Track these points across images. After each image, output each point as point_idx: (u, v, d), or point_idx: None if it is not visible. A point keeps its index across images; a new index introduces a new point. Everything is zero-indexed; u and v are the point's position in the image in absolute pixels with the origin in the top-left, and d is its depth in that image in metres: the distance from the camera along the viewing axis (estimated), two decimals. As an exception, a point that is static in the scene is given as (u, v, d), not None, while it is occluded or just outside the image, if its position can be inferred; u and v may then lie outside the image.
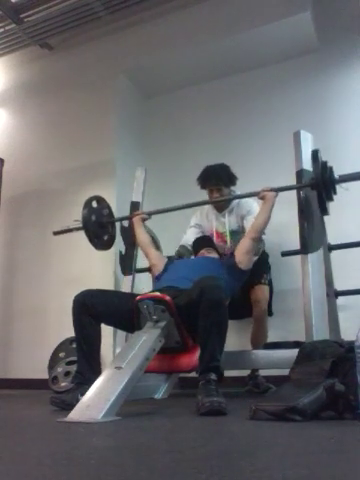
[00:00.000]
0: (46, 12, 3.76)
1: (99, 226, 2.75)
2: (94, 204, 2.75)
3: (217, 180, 2.71)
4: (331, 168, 2.25)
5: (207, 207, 2.92)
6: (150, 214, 2.74)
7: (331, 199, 2.29)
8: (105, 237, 2.80)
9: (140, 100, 4.11)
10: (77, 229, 2.72)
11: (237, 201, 2.81)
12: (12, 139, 4.13)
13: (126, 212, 2.95)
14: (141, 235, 2.62)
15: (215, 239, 2.75)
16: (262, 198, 2.36)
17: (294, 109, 3.45)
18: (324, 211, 2.29)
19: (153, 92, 4.07)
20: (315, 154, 2.26)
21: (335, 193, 2.28)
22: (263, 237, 2.51)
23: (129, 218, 2.77)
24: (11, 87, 4.29)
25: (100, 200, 2.81)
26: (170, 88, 3.98)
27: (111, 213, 2.87)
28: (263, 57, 3.61)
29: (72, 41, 4.07)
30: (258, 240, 2.36)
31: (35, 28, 3.84)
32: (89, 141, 3.74)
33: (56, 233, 2.90)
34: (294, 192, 2.35)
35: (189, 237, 2.86)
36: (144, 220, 2.71)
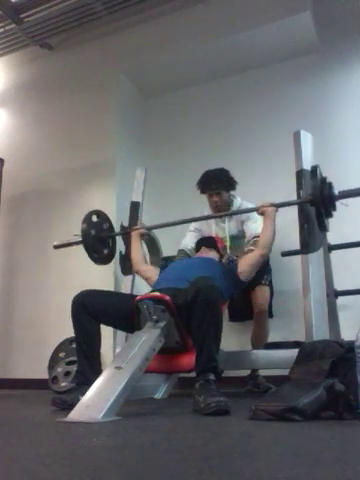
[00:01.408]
0: (46, 12, 3.76)
1: (99, 241, 2.70)
2: (94, 218, 2.71)
3: (217, 185, 2.71)
4: (330, 184, 2.19)
5: (207, 212, 2.92)
6: (150, 229, 2.72)
7: (330, 216, 2.23)
8: (105, 251, 2.75)
9: (140, 100, 4.11)
10: (77, 243, 2.69)
11: (237, 206, 2.81)
12: (12, 139, 4.13)
13: (126, 212, 2.95)
14: (135, 252, 2.57)
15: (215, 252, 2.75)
16: (262, 213, 2.34)
17: (294, 109, 3.45)
18: (323, 228, 2.23)
19: (153, 92, 4.07)
20: (314, 170, 2.19)
21: (334, 209, 2.21)
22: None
23: (128, 232, 2.74)
24: (11, 87, 4.29)
25: (100, 214, 2.78)
26: (170, 88, 3.98)
27: (111, 227, 2.82)
28: (263, 57, 3.61)
29: (72, 41, 4.07)
30: (267, 257, 2.36)
31: (35, 28, 3.84)
32: (89, 141, 3.74)
33: (56, 247, 2.87)
34: (294, 192, 2.35)
35: (188, 241, 2.87)
36: (142, 235, 2.67)
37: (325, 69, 3.46)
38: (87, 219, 2.66)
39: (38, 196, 3.86)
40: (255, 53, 3.59)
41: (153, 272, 2.42)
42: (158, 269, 2.46)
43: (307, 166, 2.34)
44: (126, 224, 2.89)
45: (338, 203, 2.19)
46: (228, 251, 2.70)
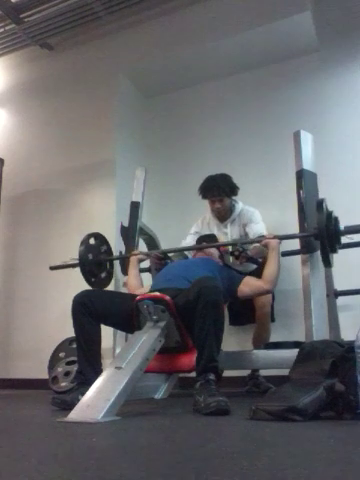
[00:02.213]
0: (46, 12, 3.76)
1: (96, 264, 2.67)
2: (92, 241, 2.68)
3: (219, 191, 2.71)
4: (336, 219, 2.15)
5: (209, 216, 2.91)
6: (149, 255, 2.66)
7: (335, 251, 2.19)
8: (102, 275, 2.72)
9: (140, 100, 4.11)
10: (73, 266, 2.65)
11: (239, 211, 2.81)
12: (12, 139, 4.13)
13: (126, 212, 2.95)
14: (132, 277, 2.53)
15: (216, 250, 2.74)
16: (265, 245, 2.31)
17: (294, 109, 3.45)
18: (327, 264, 2.18)
19: (153, 92, 4.07)
20: (320, 204, 2.13)
21: (339, 245, 2.18)
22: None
23: (127, 257, 2.69)
24: (11, 87, 4.29)
25: (98, 237, 2.75)
26: (170, 88, 3.98)
27: (110, 250, 2.79)
28: (263, 57, 3.61)
29: (72, 41, 4.07)
30: (271, 292, 2.34)
31: (35, 28, 3.84)
32: (89, 141, 3.74)
33: (52, 268, 2.84)
34: (294, 192, 2.35)
35: (187, 243, 2.86)
36: (141, 261, 2.64)
37: (325, 69, 3.46)
38: (84, 242, 2.62)
39: (38, 196, 3.86)
40: (255, 53, 3.59)
41: (147, 289, 2.39)
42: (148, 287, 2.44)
43: (307, 166, 2.34)
44: (126, 224, 2.89)
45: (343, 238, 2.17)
46: (230, 258, 2.68)
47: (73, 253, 3.48)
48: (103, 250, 2.74)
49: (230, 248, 2.64)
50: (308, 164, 2.35)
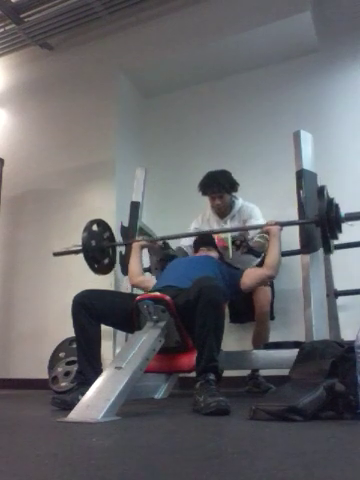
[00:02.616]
0: (46, 12, 3.76)
1: (99, 250, 2.69)
2: (95, 227, 2.69)
3: (218, 188, 2.71)
4: (337, 205, 2.16)
5: (208, 212, 2.91)
6: (151, 241, 2.69)
7: (336, 238, 2.21)
8: (105, 261, 2.74)
9: (140, 100, 4.11)
10: (76, 252, 2.67)
11: (239, 207, 2.81)
12: (12, 139, 4.13)
13: (126, 212, 2.95)
14: (134, 264, 2.53)
15: (216, 243, 2.74)
16: (267, 232, 2.32)
17: (294, 109, 3.45)
18: (328, 250, 2.20)
19: (153, 92, 4.07)
20: (321, 191, 2.16)
21: (340, 231, 2.19)
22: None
23: (129, 243, 2.72)
24: (11, 87, 4.30)
25: (101, 223, 2.76)
26: (170, 88, 3.98)
27: (112, 237, 2.81)
28: (263, 57, 3.61)
29: (72, 41, 4.07)
30: (274, 278, 2.33)
31: (35, 28, 3.85)
32: (89, 141, 3.74)
33: (56, 254, 2.86)
34: (294, 192, 2.35)
35: (187, 239, 2.86)
36: (143, 247, 2.65)
37: (325, 69, 3.46)
38: (87, 228, 2.64)
39: (38, 196, 3.86)
40: (255, 53, 3.59)
41: (150, 281, 2.40)
42: (154, 278, 2.45)
43: (307, 166, 2.34)
44: (126, 224, 2.89)
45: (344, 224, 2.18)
46: (229, 252, 2.69)
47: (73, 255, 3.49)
48: (106, 236, 2.77)
49: (230, 244, 2.66)
50: (308, 164, 2.35)
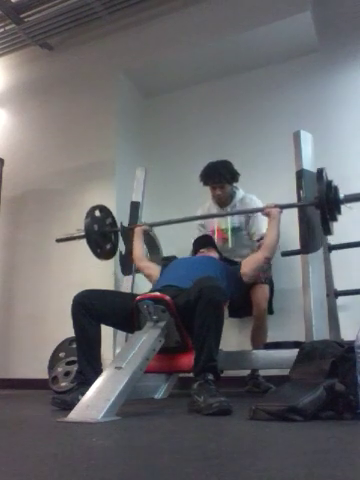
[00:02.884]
0: (46, 12, 3.76)
1: (102, 235, 2.73)
2: (97, 213, 2.73)
3: (220, 178, 2.73)
4: (336, 188, 2.19)
5: (209, 203, 2.93)
6: (152, 226, 2.74)
7: (335, 219, 2.23)
8: (108, 246, 2.78)
9: (140, 100, 4.11)
10: (79, 238, 2.71)
11: (240, 197, 2.83)
12: (12, 139, 4.13)
13: (126, 212, 2.95)
14: (137, 248, 2.61)
15: (216, 236, 2.77)
16: (267, 214, 2.35)
17: (294, 109, 3.44)
18: (327, 231, 2.23)
19: (153, 92, 4.07)
20: (320, 173, 2.18)
21: (339, 213, 2.21)
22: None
23: (131, 228, 2.76)
24: (11, 87, 4.29)
25: (103, 209, 2.80)
26: (170, 88, 3.97)
27: (114, 222, 2.85)
28: (263, 57, 3.61)
29: (72, 41, 4.07)
30: (271, 259, 2.35)
31: (35, 28, 3.85)
32: (89, 141, 3.74)
33: (58, 240, 2.90)
34: (294, 192, 2.35)
35: (192, 235, 2.89)
36: (145, 232, 2.69)
37: (325, 69, 3.46)
38: (90, 214, 2.68)
39: (38, 196, 3.86)
40: (255, 53, 3.58)
41: (155, 270, 2.43)
42: (159, 267, 2.46)
43: (307, 166, 2.34)
44: (126, 224, 2.89)
45: (343, 206, 2.19)
46: (229, 243, 2.73)
47: (73, 254, 3.49)
48: (108, 222, 2.81)
49: (229, 234, 2.72)
50: (308, 164, 2.35)
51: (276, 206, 2.32)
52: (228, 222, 2.79)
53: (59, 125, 3.94)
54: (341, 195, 2.18)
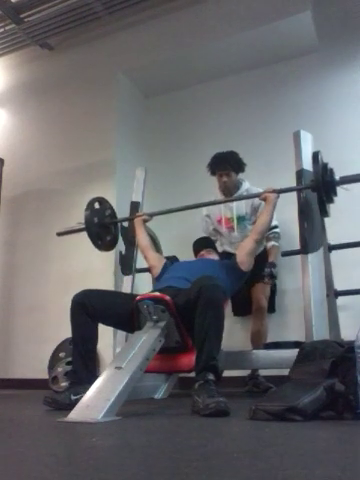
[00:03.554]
0: (46, 12, 3.76)
1: (102, 227, 2.75)
2: (96, 205, 2.76)
3: (226, 165, 2.79)
4: (331, 170, 2.23)
5: (215, 193, 2.95)
6: (152, 215, 2.75)
7: (331, 201, 2.27)
8: (108, 238, 2.80)
9: (140, 100, 4.11)
10: (80, 230, 2.73)
11: (245, 188, 2.88)
12: (12, 139, 4.13)
13: (126, 212, 2.95)
14: (141, 237, 2.62)
15: (223, 225, 2.80)
16: (264, 199, 2.37)
17: (294, 109, 3.45)
18: (324, 213, 2.28)
19: (153, 92, 4.07)
20: (316, 156, 2.23)
21: (335, 195, 2.26)
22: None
23: (131, 219, 2.78)
24: (11, 87, 4.29)
25: (102, 201, 2.82)
26: (170, 88, 3.98)
27: (114, 214, 2.88)
28: (263, 57, 3.61)
29: (72, 41, 4.07)
30: (260, 242, 2.37)
31: (35, 28, 3.84)
32: (89, 141, 3.74)
33: (59, 234, 2.92)
34: (294, 192, 2.35)
35: (205, 227, 2.98)
36: (146, 221, 2.71)
37: (325, 69, 3.46)
38: (90, 206, 2.69)
39: (38, 196, 3.86)
40: (255, 53, 3.58)
41: (158, 262, 2.44)
42: (164, 260, 2.47)
43: (307, 166, 2.34)
44: (126, 224, 2.89)
45: (339, 189, 2.23)
46: (235, 231, 2.75)
47: (74, 254, 3.49)
48: (108, 214, 2.84)
49: (235, 223, 2.75)
50: (308, 164, 2.35)
51: (274, 191, 2.35)
52: (233, 211, 2.82)
53: (59, 125, 3.94)
54: (337, 177, 2.21)
